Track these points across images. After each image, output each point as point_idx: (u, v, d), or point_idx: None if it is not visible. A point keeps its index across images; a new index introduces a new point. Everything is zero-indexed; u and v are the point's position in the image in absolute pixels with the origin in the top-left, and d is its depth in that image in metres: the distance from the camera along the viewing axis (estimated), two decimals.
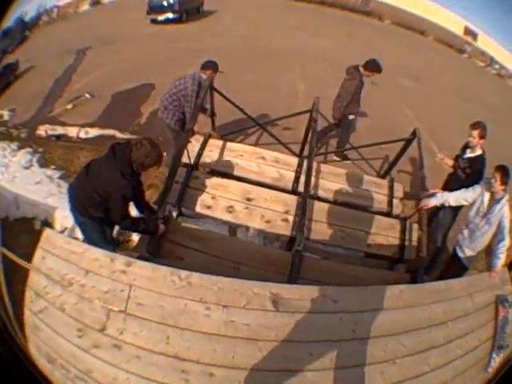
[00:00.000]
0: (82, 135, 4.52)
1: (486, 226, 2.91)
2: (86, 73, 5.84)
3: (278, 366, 1.83)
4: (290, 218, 3.04)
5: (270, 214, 3.06)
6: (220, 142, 3.60)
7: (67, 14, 7.91)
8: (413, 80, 9.39)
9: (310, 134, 3.48)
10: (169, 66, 5.66)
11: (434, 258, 3.55)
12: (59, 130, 4.52)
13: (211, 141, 3.57)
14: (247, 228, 3.26)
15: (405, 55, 12.81)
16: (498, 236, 2.82)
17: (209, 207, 3.04)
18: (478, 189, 3.00)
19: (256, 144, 4.48)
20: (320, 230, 2.97)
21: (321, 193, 3.27)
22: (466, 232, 3.17)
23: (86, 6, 8.50)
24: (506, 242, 2.74)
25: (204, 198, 3.07)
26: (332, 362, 1.88)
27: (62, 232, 3.22)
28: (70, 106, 5.05)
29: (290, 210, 3.08)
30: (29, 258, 2.82)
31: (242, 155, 3.50)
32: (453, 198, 3.09)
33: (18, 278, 2.50)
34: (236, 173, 3.39)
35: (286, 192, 3.30)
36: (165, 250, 2.56)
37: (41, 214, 3.36)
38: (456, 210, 3.40)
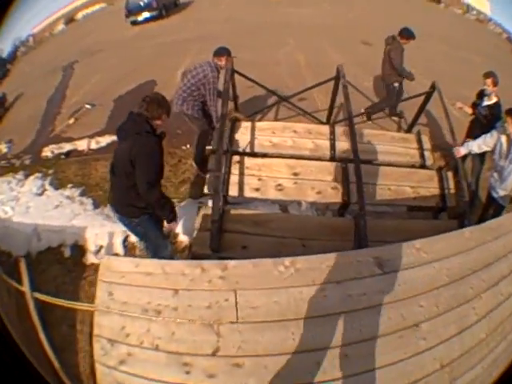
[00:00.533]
0: (94, 146, 4.48)
1: (510, 165, 3.30)
2: (80, 85, 5.83)
3: (405, 323, 1.99)
4: (339, 186, 3.28)
5: (319, 184, 3.27)
6: (248, 124, 3.71)
7: (44, 38, 8.01)
8: None
9: (342, 101, 3.74)
10: (162, 60, 5.97)
11: (470, 202, 4.02)
12: (67, 147, 4.46)
13: (238, 124, 3.66)
14: (299, 203, 3.41)
15: (386, 12, 13.40)
16: None
17: (257, 189, 3.15)
18: (494, 133, 3.37)
19: (280, 119, 4.69)
20: (366, 191, 3.05)
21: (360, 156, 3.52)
22: (495, 175, 3.61)
23: (60, 26, 8.58)
24: None
25: (250, 182, 3.18)
26: (438, 308, 2.10)
27: (97, 252, 3.17)
28: (71, 121, 5.05)
29: (337, 178, 3.32)
30: (69, 293, 2.78)
31: (274, 132, 3.63)
32: (476, 146, 3.53)
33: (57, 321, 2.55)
34: (274, 151, 3.52)
35: (327, 160, 3.53)
36: (226, 243, 2.58)
37: (68, 240, 3.24)
38: (482, 156, 3.82)
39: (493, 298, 2.27)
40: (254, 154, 3.44)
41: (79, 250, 3.18)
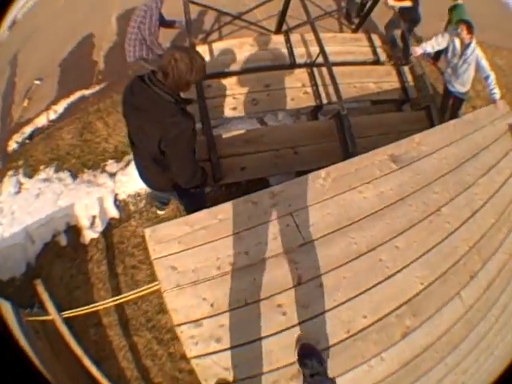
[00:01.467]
0: (53, 116, 4.43)
1: (464, 64, 3.89)
2: (25, 68, 5.47)
3: (429, 209, 2.47)
4: (309, 90, 3.64)
5: (290, 91, 3.55)
6: (205, 47, 3.77)
7: None
8: None
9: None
10: (98, 13, 5.87)
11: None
12: (28, 130, 4.36)
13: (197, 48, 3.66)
14: (274, 113, 3.81)
15: None
16: (482, 75, 3.80)
17: (234, 108, 3.33)
18: (446, 35, 4.00)
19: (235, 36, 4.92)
20: (334, 92, 3.40)
21: (320, 59, 3.66)
22: (449, 70, 4.29)
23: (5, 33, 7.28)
24: (492, 76, 3.69)
25: (226, 102, 3.33)
26: (450, 193, 2.62)
27: (91, 225, 3.22)
28: (26, 103, 4.90)
29: (306, 83, 3.66)
30: (81, 285, 2.91)
31: (233, 50, 3.76)
32: (429, 45, 4.24)
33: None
34: (238, 67, 3.69)
35: (291, 68, 3.79)
36: (224, 169, 2.74)
37: (59, 226, 3.23)
38: None
39: (489, 185, 2.84)
40: (218, 75, 3.52)
41: (74, 232, 3.21)
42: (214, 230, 1.96)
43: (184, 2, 3.63)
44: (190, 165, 1.95)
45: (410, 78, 4.21)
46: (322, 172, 2.34)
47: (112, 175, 3.54)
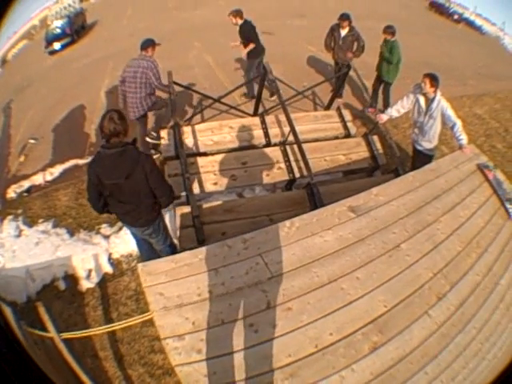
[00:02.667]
0: (49, 178, 5.72)
1: (430, 120, 4.53)
2: (19, 122, 7.39)
3: (388, 246, 3.22)
4: (283, 165, 4.57)
5: (265, 168, 4.51)
6: (188, 128, 4.88)
7: None
8: (300, 18, 13.75)
9: (268, 94, 5.44)
10: (84, 84, 7.89)
11: None
12: (26, 184, 5.61)
13: (181, 129, 4.74)
14: (251, 188, 4.77)
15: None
16: (448, 124, 4.43)
17: (215, 183, 4.26)
18: (410, 95, 4.67)
19: (211, 118, 6.32)
20: (305, 166, 4.28)
21: (293, 138, 4.56)
22: (416, 130, 5.08)
23: None
24: (459, 123, 4.30)
25: (207, 178, 4.28)
26: (408, 232, 3.37)
27: (88, 276, 4.12)
28: (22, 159, 6.40)
29: (279, 160, 4.60)
30: (79, 324, 3.67)
31: (213, 131, 4.85)
32: (395, 110, 4.91)
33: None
34: (217, 148, 4.73)
35: (266, 147, 4.87)
36: (206, 234, 3.48)
37: (58, 273, 4.08)
38: None
39: (453, 220, 3.56)
40: (204, 154, 4.58)
41: (71, 279, 4.05)
42: (195, 267, 2.74)
43: (169, 82, 4.80)
44: (163, 178, 3.18)
45: (379, 146, 5.08)
46: (287, 222, 3.14)
47: (106, 237, 4.49)
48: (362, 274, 2.97)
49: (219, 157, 4.50)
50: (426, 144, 5.07)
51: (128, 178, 2.94)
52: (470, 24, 19.40)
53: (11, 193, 5.48)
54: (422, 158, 4.89)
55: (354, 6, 11.65)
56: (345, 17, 7.19)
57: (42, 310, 2.99)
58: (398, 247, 3.22)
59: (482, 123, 8.06)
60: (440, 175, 4.10)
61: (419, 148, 5.18)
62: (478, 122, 7.93)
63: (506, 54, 17.07)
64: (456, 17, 19.52)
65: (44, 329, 2.94)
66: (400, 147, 6.02)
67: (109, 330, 3.33)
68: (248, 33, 6.38)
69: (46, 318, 2.95)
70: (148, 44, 5.08)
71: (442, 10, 20.01)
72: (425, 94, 4.60)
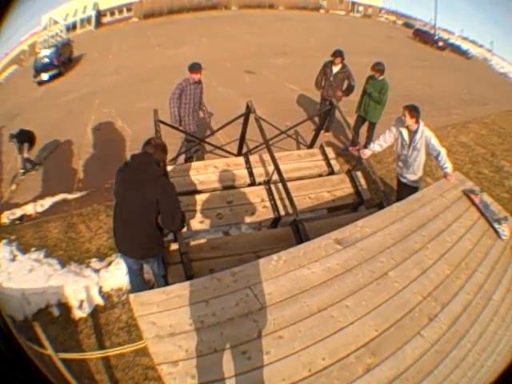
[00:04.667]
0: (39, 209, 6.40)
1: (414, 152, 4.97)
2: (10, 150, 8.26)
3: (375, 275, 3.54)
4: (268, 204, 5.03)
5: (251, 207, 4.95)
6: (172, 167, 5.34)
7: None
8: (281, 56, 14.88)
9: (256, 132, 5.73)
10: (72, 118, 9.06)
11: None
12: (18, 212, 6.28)
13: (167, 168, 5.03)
14: (237, 226, 5.18)
15: (262, 34, 18.86)
16: (432, 154, 4.83)
17: (201, 222, 4.69)
18: (393, 129, 5.14)
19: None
20: (290, 204, 4.69)
21: (277, 177, 4.99)
22: (400, 163, 5.56)
23: None
24: (443, 152, 4.70)
25: (194, 216, 4.67)
26: (395, 260, 3.72)
27: (80, 306, 4.49)
28: (14, 187, 7.32)
29: (264, 198, 5.06)
30: (73, 349, 3.99)
31: (198, 171, 5.31)
32: (377, 145, 5.41)
33: None
34: (202, 187, 5.17)
35: (251, 186, 5.37)
36: (194, 270, 3.79)
37: (51, 299, 4.43)
38: None
39: (440, 246, 3.91)
40: (190, 193, 4.99)
41: (64, 307, 4.40)
42: (185, 298, 2.97)
43: (155, 121, 5.35)
44: (179, 211, 3.63)
45: (362, 181, 5.60)
46: (275, 256, 3.44)
47: (96, 271, 4.87)
48: (351, 302, 3.24)
49: (205, 196, 4.93)
50: (411, 176, 5.54)
51: (142, 185, 3.41)
52: (456, 49, 20.67)
53: (4, 218, 6.09)
54: (407, 190, 5.22)
55: (336, 41, 12.63)
56: (338, 53, 7.92)
57: (38, 329, 3.24)
58: (386, 275, 3.53)
59: (467, 151, 8.73)
60: (425, 204, 4.50)
61: (404, 180, 5.66)
62: (463, 150, 8.61)
63: (493, 76, 18.26)
64: (441, 43, 20.82)
65: (42, 346, 3.18)
66: (384, 182, 6.61)
67: (104, 355, 3.69)
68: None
69: (43, 336, 3.21)
70: (199, 67, 6.38)
71: (426, 38, 21.33)
72: (407, 127, 5.02)
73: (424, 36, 20.79)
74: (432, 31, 21.18)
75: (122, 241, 3.72)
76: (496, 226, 4.40)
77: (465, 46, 20.06)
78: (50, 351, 3.17)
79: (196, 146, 6.66)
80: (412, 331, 3.20)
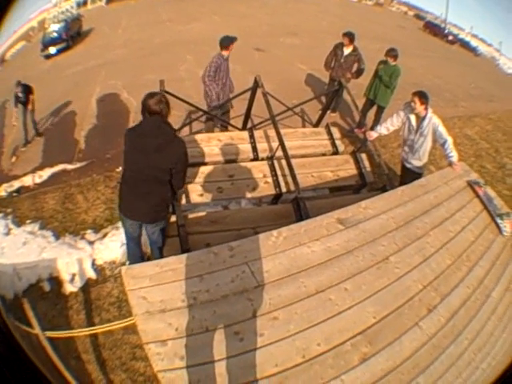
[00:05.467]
0: (38, 180, 6.25)
1: (421, 138, 4.83)
2: (12, 123, 7.91)
3: (376, 258, 3.35)
4: (269, 180, 4.77)
5: (252, 182, 4.70)
6: None
7: None
8: (292, 36, 14.58)
9: (261, 107, 5.51)
10: (77, 90, 8.88)
11: None
12: (16, 184, 6.14)
13: None
14: (237, 201, 4.93)
15: (274, 14, 18.45)
16: (439, 141, 4.68)
17: (201, 195, 4.43)
18: (401, 113, 4.97)
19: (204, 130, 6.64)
20: (292, 181, 4.50)
21: (281, 153, 4.75)
22: (406, 148, 5.38)
23: None
24: (450, 140, 4.54)
25: (194, 189, 4.44)
26: (397, 245, 3.54)
27: (71, 280, 4.34)
28: (14, 159, 7.17)
29: (266, 174, 4.81)
30: (62, 326, 3.83)
31: (201, 143, 5.03)
32: (384, 128, 5.47)
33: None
34: (205, 159, 4.91)
35: (253, 161, 5.07)
36: (191, 244, 3.59)
37: (43, 274, 4.30)
38: None
39: (442, 235, 3.74)
40: (192, 165, 4.73)
41: (56, 281, 4.28)
42: (179, 272, 2.80)
43: (160, 91, 5.01)
44: (186, 170, 3.55)
45: (366, 164, 5.37)
46: (274, 232, 3.25)
47: (90, 243, 4.71)
48: (351, 286, 3.08)
49: (206, 168, 4.71)
50: (416, 162, 5.36)
51: (157, 152, 3.20)
52: (465, 45, 20.21)
53: (2, 191, 5.93)
54: (411, 176, 5.11)
55: (348, 26, 12.20)
56: (347, 34, 7.65)
57: (27, 307, 3.13)
58: (387, 259, 3.37)
59: (472, 144, 8.50)
60: (429, 191, 4.34)
61: (408, 166, 5.47)
62: (468, 143, 8.39)
63: (500, 75, 17.91)
64: (451, 38, 20.35)
65: (29, 325, 3.06)
66: (388, 166, 6.29)
67: (91, 332, 3.52)
68: None
69: (31, 314, 3.09)
70: (231, 42, 6.15)
71: (437, 31, 20.83)
72: (416, 113, 4.87)
73: (434, 29, 20.29)
74: (443, 25, 20.59)
75: (132, 205, 3.52)
76: (498, 220, 4.25)
77: (474, 43, 19.54)
78: (37, 330, 3.05)
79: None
80: (411, 321, 3.05)
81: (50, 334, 3.11)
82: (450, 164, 4.93)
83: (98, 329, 3.52)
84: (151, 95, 3.24)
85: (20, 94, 7.36)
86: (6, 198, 5.74)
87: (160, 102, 3.20)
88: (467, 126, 9.39)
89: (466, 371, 2.89)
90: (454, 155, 4.88)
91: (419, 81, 10.48)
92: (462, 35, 20.63)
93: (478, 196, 4.49)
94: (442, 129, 4.77)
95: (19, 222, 5.08)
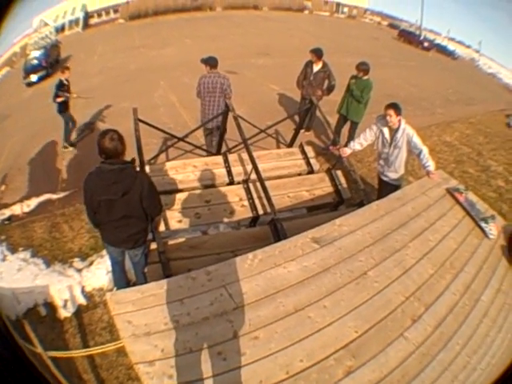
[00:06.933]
0: (26, 209, 6.76)
1: (395, 150, 5.10)
2: (0, 151, 8.78)
3: (354, 274, 3.52)
4: (246, 203, 5.01)
5: (229, 206, 4.93)
6: (153, 167, 5.44)
7: None
8: (264, 56, 15.40)
9: (238, 131, 5.73)
10: (57, 119, 9.10)
11: None
12: (7, 213, 6.66)
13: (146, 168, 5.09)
14: (215, 225, 5.41)
15: (246, 35, 19.26)
16: (414, 152, 4.93)
17: (180, 221, 4.65)
18: (373, 127, 5.24)
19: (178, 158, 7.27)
20: (268, 203, 4.70)
21: (255, 176, 5.01)
22: (381, 162, 5.67)
23: None
24: (425, 151, 4.80)
25: (172, 216, 4.66)
26: (375, 260, 3.69)
27: (64, 306, 4.76)
28: (3, 188, 7.63)
29: (243, 197, 5.04)
30: (61, 348, 4.15)
31: (177, 170, 5.31)
32: (358, 144, 5.76)
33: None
34: (181, 186, 5.14)
35: (229, 185, 5.34)
36: (173, 269, 3.81)
37: (38, 299, 4.72)
38: None
39: (422, 245, 3.93)
40: (169, 192, 4.98)
41: (50, 307, 4.70)
42: (160, 297, 2.97)
43: (134, 120, 5.39)
44: (158, 197, 3.87)
45: (343, 180, 5.63)
46: (250, 255, 3.42)
47: (78, 270, 5.16)
48: (329, 303, 3.24)
49: (183, 195, 4.96)
50: (392, 174, 5.66)
51: (125, 195, 3.50)
52: (442, 50, 21.01)
53: None
54: (388, 189, 5.34)
55: (320, 42, 12.81)
56: (315, 51, 8.05)
57: (28, 328, 3.50)
58: (365, 274, 3.53)
59: (451, 150, 8.92)
60: (406, 202, 4.56)
61: (385, 179, 5.77)
62: (447, 150, 8.82)
63: (480, 76, 18.67)
64: (426, 44, 21.16)
65: (32, 345, 3.38)
66: (365, 181, 6.80)
67: (88, 353, 4.00)
68: None
69: (32, 335, 3.45)
70: (216, 62, 6.63)
71: (412, 39, 21.66)
72: (389, 125, 5.14)
73: (409, 37, 21.10)
74: (418, 32, 21.43)
75: (112, 234, 3.91)
76: (483, 224, 4.44)
77: (451, 46, 20.34)
78: (40, 349, 3.38)
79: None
80: (395, 333, 3.17)
81: (51, 353, 3.49)
82: (428, 173, 5.19)
83: (94, 350, 3.97)
84: (103, 134, 3.44)
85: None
86: None
87: (112, 141, 3.41)
88: (446, 132, 9.85)
89: (463, 373, 3.03)
90: (431, 164, 5.12)
91: (394, 92, 11.00)
92: (438, 40, 21.39)
93: (458, 202, 4.71)
94: (416, 139, 5.02)
95: (13, 249, 5.59)
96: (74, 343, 4.27)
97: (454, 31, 20.72)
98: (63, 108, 8.24)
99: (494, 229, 4.38)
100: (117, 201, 3.52)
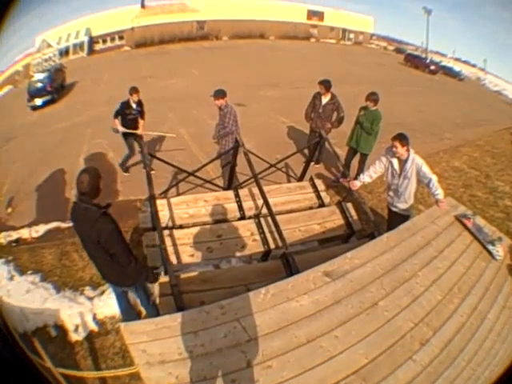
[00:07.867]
0: (34, 235, 6.91)
1: (405, 181, 5.19)
2: (5, 173, 9.17)
3: (364, 305, 3.63)
4: (257, 237, 5.19)
5: (240, 240, 5.13)
6: (163, 201, 5.61)
7: None
8: (272, 88, 15.74)
9: (246, 167, 6.00)
10: (64, 148, 9.89)
11: None
12: (14, 235, 6.80)
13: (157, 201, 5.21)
14: (227, 260, 5.41)
15: (253, 65, 19.76)
16: (424, 181, 5.02)
17: (192, 255, 4.84)
18: (383, 159, 5.36)
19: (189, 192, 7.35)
20: (279, 237, 4.82)
21: (266, 210, 5.14)
22: (391, 193, 5.82)
23: None
24: (434, 179, 4.88)
25: (184, 250, 4.85)
26: (385, 290, 3.80)
27: (76, 330, 4.86)
28: (10, 210, 7.88)
29: (254, 232, 5.25)
30: (71, 368, 4.22)
31: (188, 204, 5.58)
32: (367, 176, 5.65)
33: None
34: (192, 221, 5.39)
35: (240, 219, 5.57)
36: (185, 302, 4.11)
37: (49, 320, 4.84)
38: None
39: (431, 273, 4.05)
40: (180, 227, 5.19)
41: (61, 329, 4.80)
42: (174, 329, 3.11)
43: (144, 155, 5.63)
44: (124, 249, 3.85)
45: (353, 212, 5.82)
46: (263, 289, 3.56)
47: (90, 298, 5.23)
48: (341, 333, 3.37)
49: (195, 229, 5.17)
50: (402, 205, 5.80)
51: (87, 231, 3.69)
52: (448, 71, 21.40)
53: (1, 239, 6.60)
54: (398, 219, 5.42)
55: (327, 71, 13.19)
56: (324, 83, 8.19)
57: (37, 343, 3.59)
58: (376, 305, 3.64)
59: (460, 175, 9.12)
60: (416, 232, 4.67)
61: (395, 210, 5.91)
62: (456, 175, 9.01)
63: (486, 95, 18.95)
64: (432, 67, 21.55)
65: (41, 359, 3.48)
66: (376, 212, 6.98)
67: (100, 375, 4.13)
68: None
69: (41, 350, 3.56)
70: (224, 94, 6.82)
71: (418, 63, 22.07)
72: (398, 157, 5.26)
73: (415, 61, 21.48)
74: (424, 55, 21.84)
75: (97, 268, 4.09)
76: (490, 247, 4.56)
77: (457, 67, 20.76)
78: (49, 364, 3.47)
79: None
80: (403, 356, 3.29)
81: (61, 370, 3.62)
82: (437, 202, 5.34)
83: (107, 373, 4.08)
84: (81, 171, 3.65)
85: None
86: (5, 245, 6.41)
87: (86, 179, 3.59)
88: (454, 157, 10.07)
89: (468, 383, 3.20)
90: (440, 193, 5.29)
91: (402, 119, 11.25)
92: (444, 62, 21.79)
93: (466, 228, 4.83)
94: (425, 168, 5.13)
95: (21, 271, 5.70)
96: (85, 364, 4.37)
97: (459, 50, 21.10)
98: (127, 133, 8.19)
99: (500, 250, 4.51)
100: (84, 238, 3.79)
